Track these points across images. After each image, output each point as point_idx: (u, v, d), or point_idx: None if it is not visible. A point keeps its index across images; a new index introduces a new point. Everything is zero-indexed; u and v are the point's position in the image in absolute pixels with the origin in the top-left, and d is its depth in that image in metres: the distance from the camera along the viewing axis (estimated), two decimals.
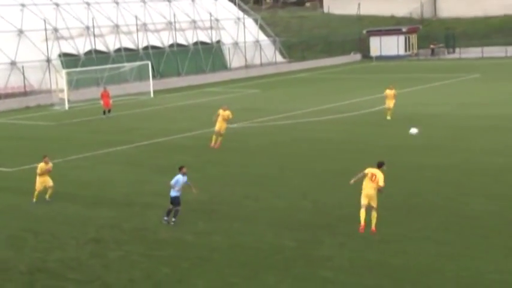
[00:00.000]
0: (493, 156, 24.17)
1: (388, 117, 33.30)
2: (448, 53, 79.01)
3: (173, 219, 17.79)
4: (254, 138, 31.05)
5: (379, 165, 16.51)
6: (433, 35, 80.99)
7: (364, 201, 16.36)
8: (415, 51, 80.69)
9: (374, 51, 79.65)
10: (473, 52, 75.29)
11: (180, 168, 17.90)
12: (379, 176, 16.21)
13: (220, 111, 28.82)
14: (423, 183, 21.13)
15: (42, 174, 20.70)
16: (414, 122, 31.81)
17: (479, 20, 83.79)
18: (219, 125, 28.54)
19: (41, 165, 20.79)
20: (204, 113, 38.19)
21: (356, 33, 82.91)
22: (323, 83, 57.12)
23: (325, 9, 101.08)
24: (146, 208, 19.67)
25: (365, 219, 16.27)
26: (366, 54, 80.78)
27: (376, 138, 29.23)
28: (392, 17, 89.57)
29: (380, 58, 77.43)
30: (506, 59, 69.80)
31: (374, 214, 16.27)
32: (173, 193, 17.75)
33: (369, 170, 16.42)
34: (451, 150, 25.84)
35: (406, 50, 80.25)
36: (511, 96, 39.78)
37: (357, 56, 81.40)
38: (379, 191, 16.44)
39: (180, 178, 17.69)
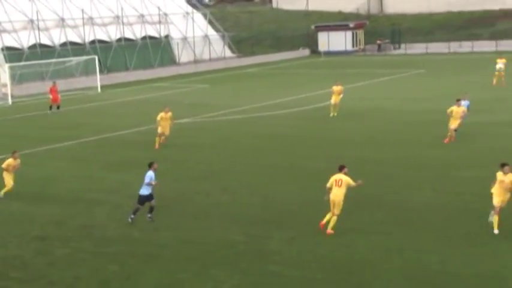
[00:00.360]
0: (436, 150, 24.65)
1: (331, 114, 33.23)
2: (394, 48, 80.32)
3: (149, 216, 17.36)
4: (204, 133, 30.89)
5: (340, 169, 16.39)
6: (380, 30, 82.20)
7: (337, 211, 16.18)
8: (362, 46, 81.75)
9: (322, 46, 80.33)
10: (418, 48, 76.73)
11: (151, 165, 17.54)
12: (345, 179, 16.10)
13: (162, 115, 27.50)
14: (369, 178, 21.35)
15: (7, 170, 19.99)
16: (360, 117, 32.21)
17: (423, 16, 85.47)
18: (163, 128, 27.42)
19: (9, 161, 20.11)
20: (152, 108, 37.76)
21: (304, 29, 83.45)
22: (272, 78, 57.26)
23: (274, 5, 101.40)
24: (93, 205, 19.32)
25: (328, 221, 16.22)
26: (315, 50, 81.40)
27: (325, 133, 29.47)
28: (339, 13, 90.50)
29: (328, 53, 78.14)
30: (449, 54, 71.40)
31: (334, 218, 16.21)
32: (144, 191, 17.28)
33: (333, 177, 16.28)
34: (395, 145, 26.24)
35: (353, 46, 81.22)
36: (453, 91, 40.65)
37: (306, 51, 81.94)
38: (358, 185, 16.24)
39: (152, 175, 17.34)
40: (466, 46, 73.34)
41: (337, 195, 15.99)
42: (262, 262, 14.41)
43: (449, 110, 25.62)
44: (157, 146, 27.30)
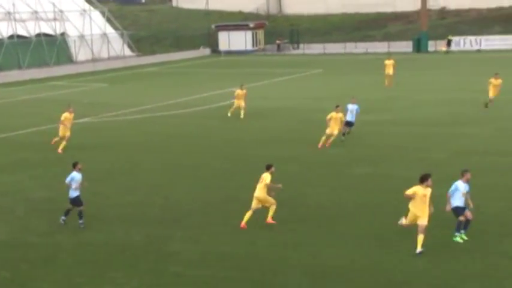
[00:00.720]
0: (333, 148, 25.20)
1: (229, 114, 32.86)
2: (293, 48, 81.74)
3: (80, 222, 16.54)
4: (104, 133, 30.16)
5: (268, 168, 16.56)
6: (279, 31, 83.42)
7: (254, 204, 16.27)
8: (262, 46, 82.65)
9: (223, 46, 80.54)
10: (316, 48, 78.49)
11: (75, 165, 16.78)
12: (265, 177, 16.29)
13: (67, 115, 25.73)
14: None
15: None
16: (262, 116, 32.53)
17: (320, 17, 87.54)
18: (64, 130, 25.68)
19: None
20: (49, 108, 36.47)
21: (205, 28, 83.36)
22: (173, 77, 56.79)
23: (174, 3, 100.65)
24: None
25: (247, 221, 16.22)
26: (215, 49, 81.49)
27: (227, 132, 29.53)
28: (240, 13, 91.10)
29: (229, 53, 78.44)
30: (345, 55, 73.49)
31: (273, 207, 16.36)
32: (72, 193, 16.52)
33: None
34: (294, 143, 26.66)
35: (253, 45, 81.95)
36: (349, 90, 41.89)
37: (206, 51, 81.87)
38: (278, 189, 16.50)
39: (75, 175, 16.58)
40: (360, 47, 75.77)
41: (260, 191, 16.19)
42: (162, 263, 14.23)
43: (328, 117, 24.81)
44: (60, 150, 25.44)
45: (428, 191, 14.14)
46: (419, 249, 14.01)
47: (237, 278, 13.45)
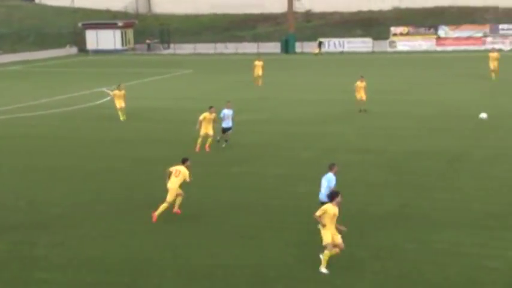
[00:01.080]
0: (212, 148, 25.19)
1: (122, 118, 31.77)
2: (164, 48, 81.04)
3: None
4: None
5: (183, 161, 16.80)
6: (149, 30, 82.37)
7: (169, 198, 16.42)
8: (132, 46, 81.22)
9: (90, 44, 78.24)
10: (186, 48, 78.31)
11: None
12: (183, 171, 16.53)
13: None
14: (139, 177, 21.23)
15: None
16: (134, 116, 31.88)
17: (191, 17, 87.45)
18: None
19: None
20: None
21: (71, 26, 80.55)
22: (37, 76, 54.37)
23: (37, 0, 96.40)
24: None
25: (160, 214, 16.29)
26: (83, 48, 79.00)
27: (96, 133, 28.67)
28: (107, 11, 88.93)
29: (97, 52, 76.34)
30: (216, 55, 73.94)
31: (179, 198, 16.69)
32: None
33: (173, 168, 16.69)
34: (168, 144, 26.38)
35: (123, 45, 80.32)
36: (220, 90, 42.17)
37: (73, 49, 79.18)
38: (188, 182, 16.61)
39: None
40: (231, 47, 76.55)
41: (173, 183, 16.45)
42: (27, 270, 13.53)
43: (201, 118, 24.08)
44: None
45: (337, 210, 13.33)
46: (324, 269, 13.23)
47: (107, 282, 13.06)
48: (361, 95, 32.00)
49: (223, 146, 24.85)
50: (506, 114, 29.70)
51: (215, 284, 12.95)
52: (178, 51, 77.59)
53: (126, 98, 31.79)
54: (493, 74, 41.38)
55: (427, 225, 15.72)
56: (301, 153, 23.77)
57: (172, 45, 79.97)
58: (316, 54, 69.36)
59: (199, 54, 74.86)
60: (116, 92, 31.92)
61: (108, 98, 33.57)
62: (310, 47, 73.01)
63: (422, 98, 36.02)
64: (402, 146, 24.09)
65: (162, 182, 20.30)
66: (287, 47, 72.90)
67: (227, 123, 24.88)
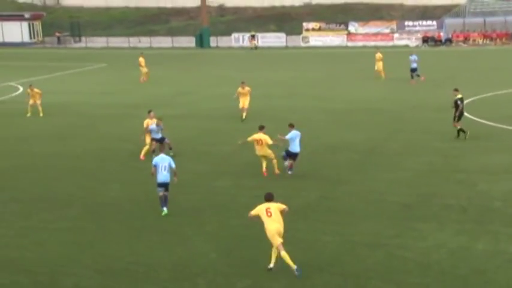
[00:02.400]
0: (123, 143, 24.81)
1: (27, 115, 30.55)
2: (75, 42, 78.85)
3: None
4: None
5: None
6: (58, 23, 79.85)
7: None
8: (41, 39, 78.50)
9: None
10: (98, 42, 76.52)
11: None
12: None
13: None
14: (58, 173, 20.65)
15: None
16: (49, 112, 30.88)
17: (102, 10, 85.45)
18: None
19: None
20: None
21: None
22: None
23: None
24: None
25: None
26: None
27: (10, 130, 27.61)
28: (12, 2, 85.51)
29: (3, 45, 73.26)
30: (129, 49, 72.66)
31: None
32: None
33: None
34: (84, 139, 25.78)
35: (31, 38, 77.50)
36: (134, 85, 41.56)
37: None
38: None
39: None
40: (145, 41, 75.43)
41: None
42: None
43: (145, 124, 22.63)
44: None
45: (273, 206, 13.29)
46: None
47: (24, 283, 12.66)
48: (244, 102, 28.90)
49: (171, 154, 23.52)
50: (411, 108, 30.83)
51: (136, 280, 12.80)
52: (90, 45, 75.72)
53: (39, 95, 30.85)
54: (382, 74, 41.51)
55: (345, 217, 16.14)
56: (219, 148, 23.80)
57: (83, 39, 77.90)
58: (252, 48, 69.62)
59: (113, 48, 73.33)
60: (28, 90, 31.03)
61: (18, 93, 32.30)
62: (224, 42, 73.08)
63: (334, 93, 36.85)
64: (317, 139, 24.57)
65: (75, 178, 19.89)
66: (202, 42, 72.67)
67: (156, 134, 22.66)
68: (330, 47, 69.73)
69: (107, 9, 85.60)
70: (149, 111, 23.07)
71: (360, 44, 70.46)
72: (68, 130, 27.51)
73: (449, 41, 67.75)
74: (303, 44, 72.16)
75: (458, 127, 23.86)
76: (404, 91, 36.48)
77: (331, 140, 24.69)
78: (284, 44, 72.46)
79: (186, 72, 45.56)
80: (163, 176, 16.40)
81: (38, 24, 78.99)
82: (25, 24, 77.10)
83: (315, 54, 62.47)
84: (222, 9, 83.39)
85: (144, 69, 43.27)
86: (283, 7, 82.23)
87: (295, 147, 19.77)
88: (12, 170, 21.12)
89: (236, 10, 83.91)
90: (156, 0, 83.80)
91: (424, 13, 76.01)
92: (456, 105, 23.67)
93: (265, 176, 19.68)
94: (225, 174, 20.21)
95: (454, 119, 23.91)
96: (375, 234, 15.01)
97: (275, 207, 13.31)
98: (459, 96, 23.81)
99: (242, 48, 70.89)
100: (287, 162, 19.86)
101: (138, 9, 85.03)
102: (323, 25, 73.57)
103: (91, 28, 79.81)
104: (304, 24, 74.01)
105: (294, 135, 19.77)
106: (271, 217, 13.11)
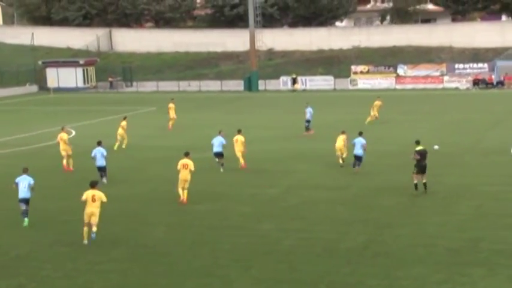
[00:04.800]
0: (171, 186, 25.07)
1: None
2: (126, 86, 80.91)
3: None
4: None
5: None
6: (111, 68, 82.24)
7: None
8: (94, 83, 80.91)
9: (51, 82, 77.65)
10: (149, 86, 78.31)
11: None
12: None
13: None
14: (106, 215, 21.04)
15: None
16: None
17: (153, 55, 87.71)
18: None
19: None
20: None
21: (31, 64, 79.93)
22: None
23: None
24: None
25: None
26: (43, 86, 78.33)
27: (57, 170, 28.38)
28: (68, 49, 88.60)
29: (58, 90, 75.75)
30: (179, 93, 74.03)
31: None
32: None
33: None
34: (133, 181, 26.27)
35: (85, 83, 79.94)
36: (182, 128, 42.24)
37: (34, 88, 78.45)
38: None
39: None
40: (194, 85, 76.85)
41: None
42: None
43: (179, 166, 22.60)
44: None
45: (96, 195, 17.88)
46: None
47: None
48: (240, 150, 28.12)
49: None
50: (461, 151, 30.39)
51: None
52: (141, 89, 77.54)
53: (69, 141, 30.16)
54: (372, 117, 41.73)
55: (391, 261, 15.94)
56: (266, 190, 23.89)
57: (135, 83, 79.92)
58: (293, 90, 70.51)
59: (162, 92, 74.89)
60: (62, 134, 29.33)
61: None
62: (273, 85, 73.86)
63: (382, 135, 36.67)
64: (365, 182, 24.44)
65: (123, 220, 20.25)
66: (250, 85, 73.60)
67: (101, 162, 25.89)
68: (378, 89, 69.61)
69: (158, 54, 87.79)
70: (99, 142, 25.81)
71: (409, 86, 70.19)
72: (117, 172, 28.07)
73: (501, 83, 66.77)
74: (351, 87, 72.30)
75: (415, 181, 22.11)
76: (453, 133, 36.03)
77: (379, 182, 24.52)
78: (332, 86, 72.74)
79: (234, 115, 46.09)
80: (23, 192, 19.57)
81: (91, 70, 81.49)
82: (79, 69, 79.64)
83: (363, 97, 62.44)
84: (270, 53, 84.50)
85: (172, 116, 42.65)
86: (332, 50, 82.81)
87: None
88: (61, 212, 21.63)
89: (284, 54, 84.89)
90: (206, 45, 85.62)
91: (475, 55, 75.36)
92: (416, 157, 22.07)
93: (309, 220, 19.64)
94: (269, 217, 20.26)
95: (413, 171, 22.37)
96: (423, 278, 14.77)
97: (99, 195, 18.12)
98: (418, 148, 22.46)
99: (293, 91, 71.41)
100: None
101: (187, 54, 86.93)
102: (371, 68, 73.68)
103: (142, 73, 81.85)
104: (353, 67, 74.27)
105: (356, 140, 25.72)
106: (95, 202, 17.94)
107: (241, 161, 27.96)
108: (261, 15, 76.67)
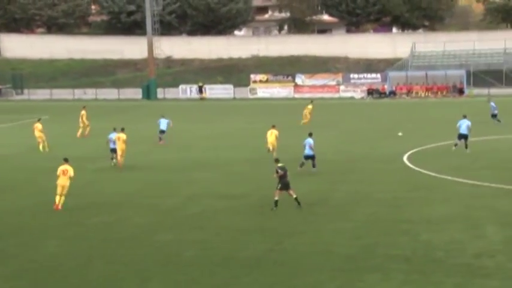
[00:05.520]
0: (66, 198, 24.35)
1: None
2: (16, 94, 77.80)
3: None
4: None
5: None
6: None
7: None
8: None
9: None
10: (42, 94, 75.74)
11: None
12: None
13: None
14: None
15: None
16: None
17: (45, 62, 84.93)
18: None
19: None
20: None
21: None
22: None
23: None
24: None
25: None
26: None
27: None
28: None
29: None
30: (74, 101, 72.06)
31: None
32: None
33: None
34: (24, 193, 25.23)
35: None
36: (75, 138, 41.10)
37: None
38: None
39: None
40: (90, 93, 75.02)
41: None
42: None
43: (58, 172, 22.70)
44: None
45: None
46: None
47: None
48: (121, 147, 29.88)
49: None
50: (356, 159, 31.41)
51: None
52: (32, 97, 74.79)
53: None
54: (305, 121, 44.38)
55: (290, 270, 16.13)
56: (165, 200, 23.63)
57: (26, 91, 76.95)
58: (201, 99, 70.48)
59: (56, 100, 72.58)
60: None
61: None
62: (172, 93, 73.46)
63: (283, 143, 37.23)
64: (264, 191, 24.69)
65: (12, 234, 19.37)
66: (149, 93, 72.79)
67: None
68: (277, 98, 70.81)
69: (51, 61, 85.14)
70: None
71: (307, 95, 71.84)
72: (4, 184, 26.85)
73: (393, 93, 69.82)
74: (250, 96, 73.13)
75: (276, 198, 21.91)
76: (348, 142, 37.17)
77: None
78: (232, 95, 73.25)
79: (131, 124, 45.30)
80: None
81: None
82: None
83: (263, 106, 63.28)
84: (169, 61, 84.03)
85: (85, 123, 42.31)
86: (231, 59, 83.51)
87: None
88: None
89: (183, 62, 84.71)
90: (102, 53, 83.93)
91: (369, 66, 78.44)
92: (277, 173, 22.05)
93: (209, 229, 19.60)
94: (168, 227, 20.02)
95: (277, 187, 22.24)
96: (320, 285, 15.04)
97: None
98: (280, 165, 22.33)
99: (189, 99, 71.27)
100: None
101: (83, 61, 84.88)
102: (270, 77, 74.90)
103: (34, 80, 79.05)
104: (252, 76, 75.20)
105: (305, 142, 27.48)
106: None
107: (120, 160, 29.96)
108: (158, 22, 76.09)
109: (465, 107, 54.95)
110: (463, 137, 31.86)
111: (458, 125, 32.29)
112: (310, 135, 27.96)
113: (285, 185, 21.91)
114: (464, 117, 32.48)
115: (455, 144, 32.10)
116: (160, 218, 21.23)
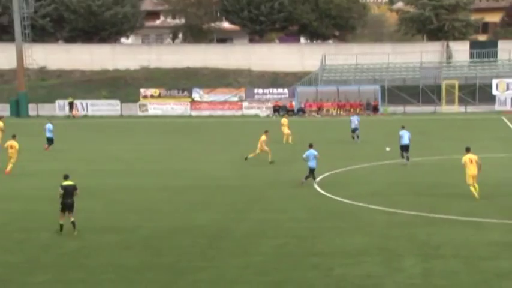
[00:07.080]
0: None
1: None
2: None
3: None
4: None
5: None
6: None
7: None
8: None
9: None
10: None
11: None
12: None
13: None
14: None
15: None
16: None
17: None
18: None
19: None
20: None
21: None
22: None
23: None
24: None
25: None
26: None
27: None
28: None
29: None
30: None
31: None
32: None
33: None
34: None
35: None
36: None
37: None
38: None
39: None
40: None
41: None
42: None
43: None
44: None
45: None
46: None
47: None
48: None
49: None
50: (262, 184, 31.80)
51: None
52: None
53: None
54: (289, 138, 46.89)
55: None
56: (38, 235, 22.95)
57: None
58: (70, 116, 69.06)
59: None
60: None
61: None
62: (47, 110, 71.74)
63: (178, 168, 37.15)
64: (155, 222, 24.49)
65: None
66: (18, 109, 70.75)
67: None
68: (171, 116, 70.65)
69: None
70: None
71: (206, 112, 72.17)
72: None
73: (301, 111, 71.20)
74: (140, 113, 72.62)
75: (61, 221, 22.65)
76: (253, 165, 37.58)
77: (172, 221, 24.69)
78: (118, 112, 72.45)
79: None
80: None
81: None
82: None
83: (155, 124, 62.94)
84: (43, 72, 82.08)
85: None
86: (117, 70, 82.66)
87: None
88: None
89: (60, 73, 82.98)
90: None
91: (275, 80, 79.77)
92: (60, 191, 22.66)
93: (91, 268, 19.19)
94: (44, 267, 19.45)
95: None
96: None
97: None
98: (65, 183, 22.85)
99: (68, 117, 69.84)
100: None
101: None
102: (163, 91, 74.77)
103: None
104: (142, 90, 74.78)
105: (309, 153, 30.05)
106: None
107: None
108: (30, 27, 74.20)
109: (380, 126, 56.90)
110: (404, 148, 35.62)
111: (399, 135, 36.02)
112: (310, 146, 30.60)
113: (67, 206, 22.59)
114: (403, 127, 36.57)
115: (408, 158, 35.83)
116: (34, 256, 20.60)
